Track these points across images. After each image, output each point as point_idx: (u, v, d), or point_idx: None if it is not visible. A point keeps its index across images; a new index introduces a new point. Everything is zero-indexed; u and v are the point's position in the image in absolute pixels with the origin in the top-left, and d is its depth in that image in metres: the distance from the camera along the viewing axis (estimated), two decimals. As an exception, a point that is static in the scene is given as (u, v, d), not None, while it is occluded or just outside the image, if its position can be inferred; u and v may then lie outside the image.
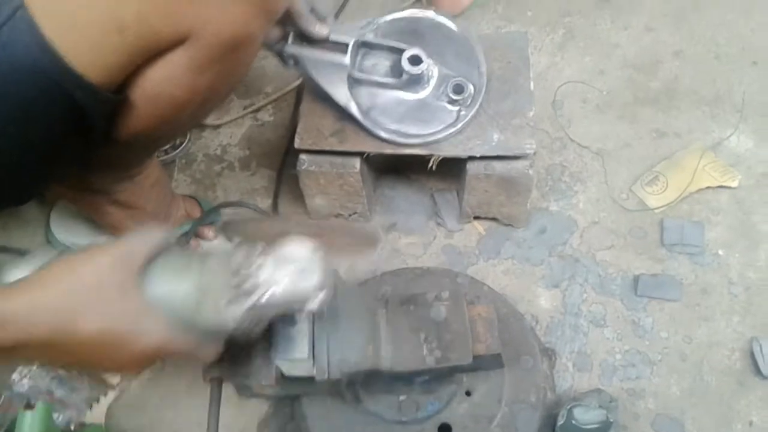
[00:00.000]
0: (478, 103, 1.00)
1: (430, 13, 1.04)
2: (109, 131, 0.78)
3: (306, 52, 0.96)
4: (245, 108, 1.32)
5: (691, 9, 1.38)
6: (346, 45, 0.96)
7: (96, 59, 0.66)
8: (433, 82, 1.00)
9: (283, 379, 0.76)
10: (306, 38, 0.95)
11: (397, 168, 1.18)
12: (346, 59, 0.96)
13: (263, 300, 0.60)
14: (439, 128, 0.99)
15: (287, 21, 0.91)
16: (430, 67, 0.98)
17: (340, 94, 0.98)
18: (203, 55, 0.72)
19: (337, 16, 1.42)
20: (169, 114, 0.78)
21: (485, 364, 0.84)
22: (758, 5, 1.36)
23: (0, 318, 0.55)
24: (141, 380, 1.04)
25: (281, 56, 0.96)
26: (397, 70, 0.99)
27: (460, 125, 0.99)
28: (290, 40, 0.95)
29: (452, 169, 1.06)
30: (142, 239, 0.63)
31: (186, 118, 0.83)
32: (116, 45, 0.66)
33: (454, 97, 0.99)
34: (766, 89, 1.26)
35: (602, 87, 1.29)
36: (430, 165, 1.02)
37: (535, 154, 1.01)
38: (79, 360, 0.60)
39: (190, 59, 0.71)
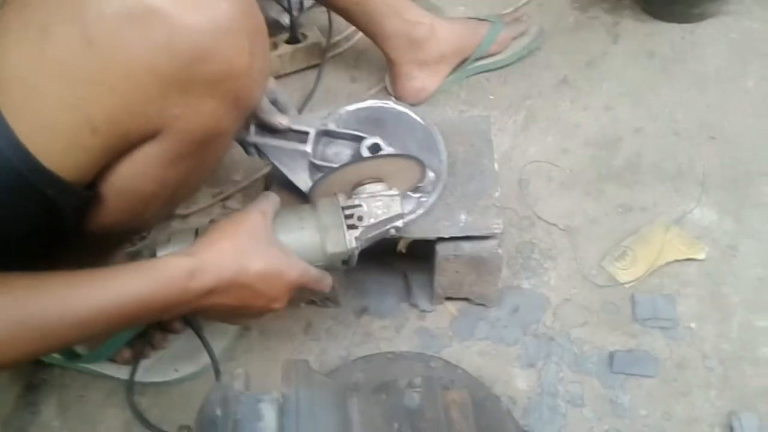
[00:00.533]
0: (438, 190, 1.01)
1: (390, 103, 1.06)
2: (78, 225, 0.77)
3: (268, 141, 0.97)
4: (214, 196, 1.32)
5: (648, 88, 1.43)
6: (307, 134, 0.98)
7: (68, 158, 0.67)
8: (426, 176, 1.00)
9: (250, 478, 0.73)
10: (267, 128, 0.96)
11: (367, 251, 1.17)
12: (308, 147, 0.97)
13: (372, 222, 0.87)
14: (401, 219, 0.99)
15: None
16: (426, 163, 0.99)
17: (302, 180, 0.99)
18: (173, 149, 0.72)
19: (302, 108, 1.44)
20: (139, 208, 0.78)
21: (462, 452, 0.81)
22: (712, 83, 1.42)
23: (198, 267, 0.73)
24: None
25: (243, 145, 0.97)
26: (357, 158, 1.00)
27: (420, 211, 1.00)
28: (252, 130, 0.96)
29: (422, 250, 1.05)
30: (269, 202, 0.85)
31: (155, 211, 0.83)
32: (88, 145, 0.67)
33: (418, 184, 1.00)
34: (725, 163, 1.29)
35: (566, 165, 1.32)
36: (399, 248, 1.02)
37: (502, 233, 1.01)
38: (252, 293, 0.78)
39: (160, 153, 0.72)
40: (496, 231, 1.01)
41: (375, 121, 1.04)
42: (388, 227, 0.90)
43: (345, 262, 0.90)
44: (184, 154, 0.73)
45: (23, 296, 0.66)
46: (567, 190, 1.28)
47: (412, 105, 1.40)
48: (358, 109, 1.05)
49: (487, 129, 1.11)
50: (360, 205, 0.88)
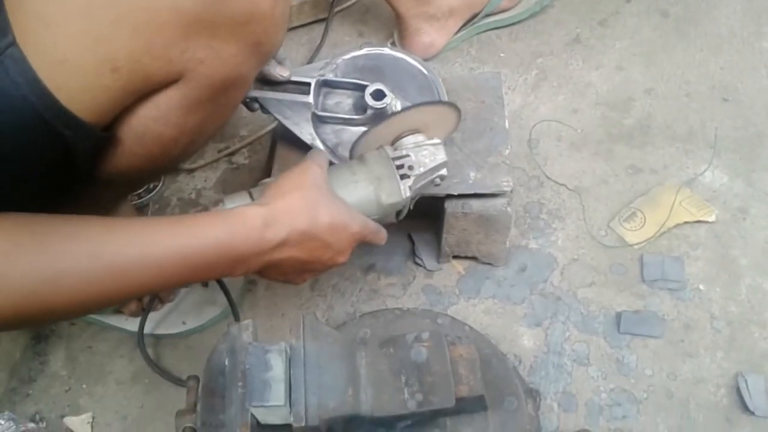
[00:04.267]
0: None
1: (386, 49, 1.05)
2: (92, 169, 0.76)
3: (269, 95, 0.96)
4: (220, 151, 1.30)
5: (660, 48, 1.40)
6: (308, 84, 0.97)
7: (87, 98, 0.66)
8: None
9: (258, 427, 0.73)
10: (267, 81, 0.95)
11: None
12: (309, 98, 0.96)
13: (422, 171, 0.87)
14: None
15: None
16: (393, 101, 0.98)
17: (305, 133, 0.98)
18: (195, 95, 0.71)
19: (310, 61, 1.42)
20: (155, 153, 0.77)
21: (468, 406, 0.81)
22: (725, 44, 1.40)
23: (273, 217, 0.73)
24: (113, 433, 1.01)
25: (244, 101, 0.96)
26: (360, 107, 0.99)
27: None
28: (252, 84, 0.95)
29: (430, 208, 1.05)
30: (322, 155, 0.86)
31: (172, 156, 0.82)
32: (108, 85, 0.65)
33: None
34: (737, 125, 1.27)
35: (576, 125, 1.30)
36: (407, 204, 1.01)
37: (512, 191, 1.00)
38: (321, 245, 0.78)
39: (182, 99, 0.71)
40: (506, 189, 1.00)
41: (373, 68, 1.03)
42: (435, 175, 0.91)
43: (398, 213, 0.90)
44: (204, 99, 0.72)
45: (101, 235, 0.65)
46: (577, 150, 1.27)
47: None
48: (355, 57, 1.04)
49: (498, 86, 1.10)
50: (408, 155, 0.88)
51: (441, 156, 0.89)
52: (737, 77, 1.35)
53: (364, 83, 0.98)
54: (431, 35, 1.39)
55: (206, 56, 0.68)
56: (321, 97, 1.01)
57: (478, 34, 1.45)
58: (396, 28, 1.43)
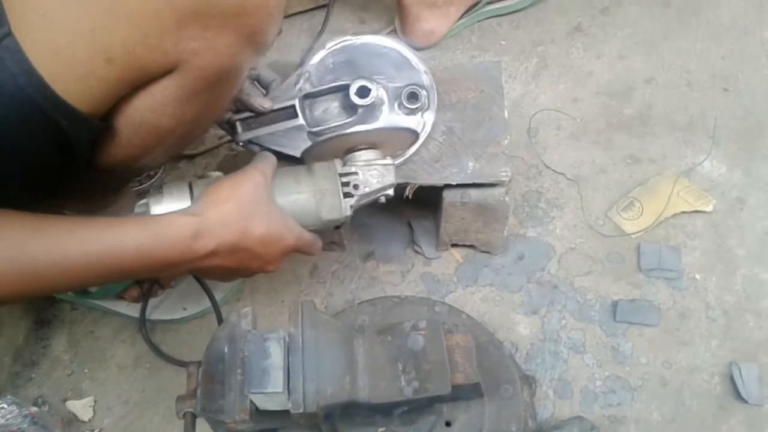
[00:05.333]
0: (435, 103, 0.99)
1: (348, 38, 1.01)
2: (90, 159, 0.77)
3: (260, 132, 0.96)
4: (220, 138, 1.31)
5: (661, 37, 1.40)
6: (293, 107, 0.95)
7: (83, 88, 0.66)
8: (386, 103, 0.99)
9: (257, 413, 0.75)
10: (250, 110, 0.95)
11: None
12: (300, 120, 0.95)
13: (367, 191, 0.87)
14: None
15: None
16: (378, 91, 0.97)
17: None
18: (190, 85, 0.71)
19: (311, 47, 1.42)
20: (153, 142, 0.78)
21: (464, 393, 0.82)
22: (727, 33, 1.39)
23: (203, 229, 0.73)
24: (115, 418, 1.02)
25: (238, 144, 0.97)
26: (348, 106, 0.97)
27: (429, 130, 0.99)
28: (239, 128, 0.95)
29: (429, 197, 1.05)
30: (268, 162, 0.84)
31: (169, 146, 0.82)
32: (104, 75, 0.66)
33: (412, 107, 0.98)
34: (737, 115, 1.28)
35: (576, 114, 1.30)
36: (406, 194, 1.02)
37: (510, 181, 1.01)
38: (251, 256, 0.79)
39: (177, 89, 0.71)
40: (504, 178, 1.00)
41: (345, 62, 1.01)
42: (380, 194, 0.90)
43: (337, 226, 0.91)
44: (200, 90, 0.72)
45: (20, 234, 0.66)
46: (576, 140, 1.27)
47: (422, 48, 1.39)
48: (323, 59, 1.01)
49: (498, 75, 1.10)
50: (356, 173, 0.88)
51: (389, 178, 0.89)
52: (738, 67, 1.35)
53: (346, 83, 0.96)
54: (432, 22, 1.39)
55: (200, 47, 0.68)
56: (307, 111, 0.98)
57: (479, 21, 1.45)
58: (397, 15, 1.43)
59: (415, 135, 0.95)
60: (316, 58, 1.01)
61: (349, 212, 0.87)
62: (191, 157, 1.29)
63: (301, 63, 1.02)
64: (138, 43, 0.65)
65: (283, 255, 0.84)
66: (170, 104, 0.72)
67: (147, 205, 0.83)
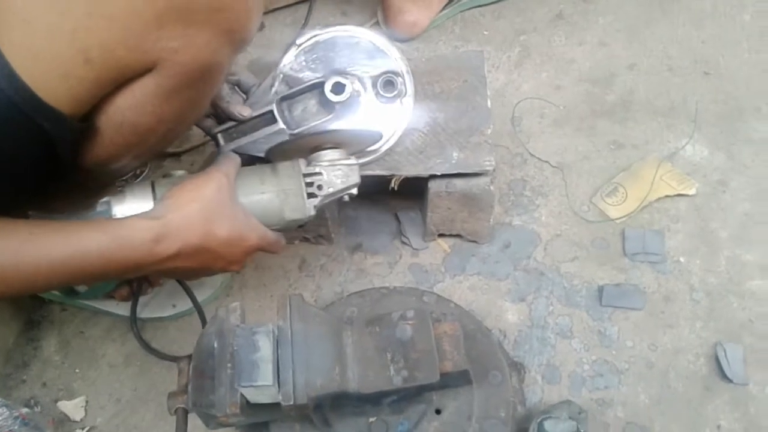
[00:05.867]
0: (412, 87, 0.99)
1: (316, 32, 1.01)
2: (73, 159, 0.77)
3: (243, 141, 0.97)
4: (205, 135, 1.31)
5: (643, 24, 1.41)
6: (271, 112, 0.96)
7: (64, 90, 0.66)
8: (363, 95, 0.99)
9: (248, 406, 0.75)
10: (231, 127, 0.96)
11: (360, 189, 1.18)
12: (280, 124, 0.96)
13: (331, 192, 0.87)
14: (392, 131, 0.99)
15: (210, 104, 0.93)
16: (354, 84, 0.97)
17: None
18: (170, 83, 0.72)
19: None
20: (134, 141, 0.78)
21: (453, 381, 0.84)
22: (708, 18, 1.40)
23: (165, 232, 0.74)
24: (107, 416, 1.02)
25: (216, 145, 0.98)
26: (326, 103, 0.97)
27: (410, 116, 0.99)
28: (221, 140, 0.96)
29: (414, 188, 1.06)
30: (232, 162, 0.84)
31: (151, 145, 0.83)
32: (83, 75, 0.66)
33: (389, 95, 0.98)
34: (718, 99, 1.29)
35: (559, 102, 1.31)
36: (391, 185, 1.03)
37: (494, 170, 1.02)
38: (214, 257, 0.80)
39: (157, 87, 0.71)
40: (488, 168, 1.01)
41: (317, 58, 1.01)
42: (344, 194, 0.91)
43: (300, 226, 0.92)
44: (180, 87, 0.72)
45: None
46: (559, 127, 1.28)
47: (406, 40, 1.39)
48: (296, 57, 1.01)
49: (481, 65, 1.10)
50: (321, 174, 0.88)
51: (353, 178, 0.89)
52: (719, 51, 1.36)
53: (320, 80, 0.96)
54: (415, 14, 1.39)
55: (180, 45, 0.68)
56: (287, 113, 0.99)
57: (461, 12, 1.45)
58: (380, 7, 1.43)
59: (377, 135, 0.95)
60: (288, 58, 1.01)
61: (312, 212, 0.88)
62: (177, 155, 1.29)
63: (277, 64, 1.02)
64: (118, 43, 0.65)
65: (247, 254, 0.84)
66: (151, 102, 0.72)
67: (108, 203, 0.83)
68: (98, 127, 0.73)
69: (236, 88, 0.98)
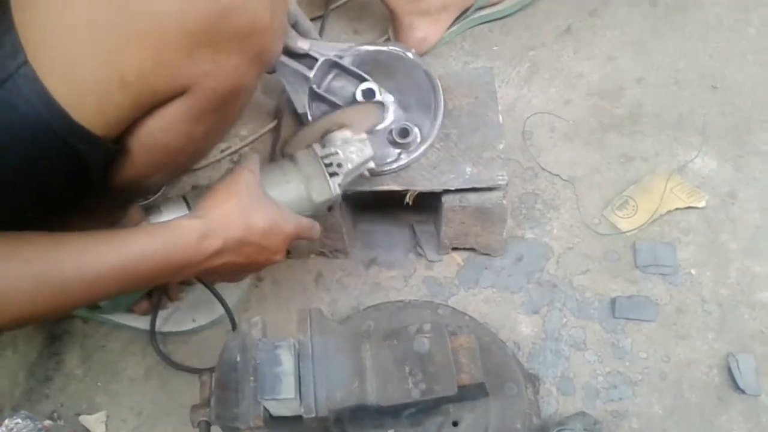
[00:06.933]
0: (419, 152, 1.03)
1: (410, 54, 1.09)
2: (104, 178, 0.80)
3: (284, 60, 1.03)
4: (222, 151, 1.33)
5: (651, 37, 1.43)
6: (317, 60, 1.03)
7: (99, 113, 0.69)
8: (386, 118, 1.04)
9: (270, 419, 0.77)
10: (287, 52, 1.01)
11: (375, 203, 1.20)
12: (311, 73, 1.03)
13: (350, 168, 0.92)
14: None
15: None
16: (385, 104, 1.03)
17: (300, 103, 1.05)
18: (200, 106, 0.75)
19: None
20: (165, 161, 0.81)
21: (470, 393, 0.85)
22: (714, 32, 1.42)
23: (208, 229, 0.77)
24: (128, 429, 1.04)
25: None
26: (355, 98, 1.04)
27: (394, 166, 1.03)
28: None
29: (429, 202, 1.08)
30: (254, 161, 0.87)
31: (180, 164, 0.86)
32: (119, 100, 0.69)
33: (398, 140, 1.02)
34: (725, 112, 1.31)
35: (569, 116, 1.33)
36: (406, 200, 1.05)
37: (507, 184, 1.04)
38: (257, 249, 0.83)
39: (188, 110, 0.74)
40: (501, 183, 1.03)
41: (388, 67, 1.07)
42: (364, 169, 0.95)
43: (330, 207, 0.96)
44: (210, 109, 0.75)
45: (45, 253, 0.69)
46: (570, 141, 1.30)
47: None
48: (378, 51, 1.09)
49: (491, 81, 1.13)
50: (336, 153, 0.92)
51: (368, 151, 0.93)
52: (725, 64, 1.37)
53: (365, 77, 1.02)
54: (424, 30, 1.42)
55: (211, 69, 0.71)
56: (330, 77, 1.07)
57: (471, 28, 1.47)
58: (390, 25, 1.46)
59: (380, 109, 1.01)
60: (373, 47, 1.10)
61: (338, 191, 0.91)
62: (194, 171, 1.31)
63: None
64: (151, 69, 0.68)
65: (286, 243, 0.87)
66: (181, 124, 0.75)
67: (147, 219, 0.87)
68: (129, 148, 0.76)
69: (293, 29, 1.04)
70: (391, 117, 1.05)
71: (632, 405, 1.00)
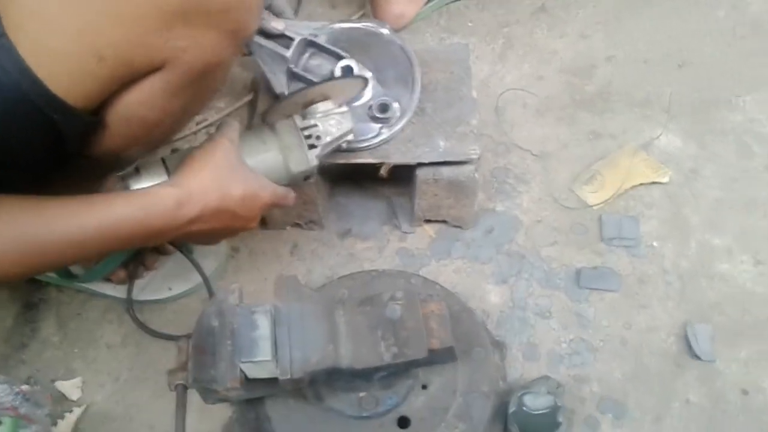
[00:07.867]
0: (399, 126, 1.05)
1: (384, 30, 1.10)
2: (80, 149, 0.81)
3: (256, 39, 1.04)
4: (198, 123, 1.34)
5: (622, 17, 1.46)
6: (293, 40, 1.04)
7: (75, 85, 0.70)
8: (364, 95, 1.06)
9: (247, 381, 0.80)
10: (263, 33, 1.03)
11: (350, 176, 1.22)
12: (288, 53, 1.04)
13: (329, 140, 0.93)
14: (357, 139, 1.05)
15: None
16: (362, 71, 1.05)
17: (278, 84, 1.06)
18: (178, 80, 0.76)
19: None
20: (142, 134, 0.82)
21: (440, 358, 0.88)
22: (685, 13, 1.45)
23: (185, 197, 0.79)
24: (106, 394, 1.06)
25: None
26: (333, 76, 1.06)
27: (375, 141, 1.05)
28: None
29: (403, 175, 1.10)
30: (233, 127, 0.88)
31: (157, 137, 0.87)
32: (95, 72, 0.70)
33: (378, 115, 1.05)
34: (691, 90, 1.34)
35: (541, 92, 1.36)
36: (381, 172, 1.07)
37: (479, 159, 1.06)
38: (232, 216, 0.85)
39: (165, 84, 0.76)
40: (473, 157, 1.06)
41: (363, 44, 1.08)
42: (342, 141, 0.97)
43: (307, 177, 0.99)
44: (187, 84, 0.76)
45: (21, 216, 0.71)
46: (541, 117, 1.33)
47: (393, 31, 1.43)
48: (351, 29, 1.10)
49: (466, 57, 1.15)
50: (316, 125, 0.94)
51: (347, 124, 0.95)
52: (692, 44, 1.41)
53: (343, 54, 1.03)
54: (402, 5, 1.43)
55: (187, 45, 0.72)
56: (306, 56, 1.08)
57: (447, 4, 1.49)
58: (368, 0, 1.46)
59: (363, 82, 1.02)
60: (347, 24, 1.12)
61: (315, 162, 0.93)
62: (170, 143, 1.31)
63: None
64: (128, 43, 0.69)
65: (262, 211, 0.90)
66: (159, 98, 0.76)
67: (126, 181, 0.88)
68: (107, 121, 0.77)
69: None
70: (369, 93, 1.07)
71: (594, 370, 1.05)
